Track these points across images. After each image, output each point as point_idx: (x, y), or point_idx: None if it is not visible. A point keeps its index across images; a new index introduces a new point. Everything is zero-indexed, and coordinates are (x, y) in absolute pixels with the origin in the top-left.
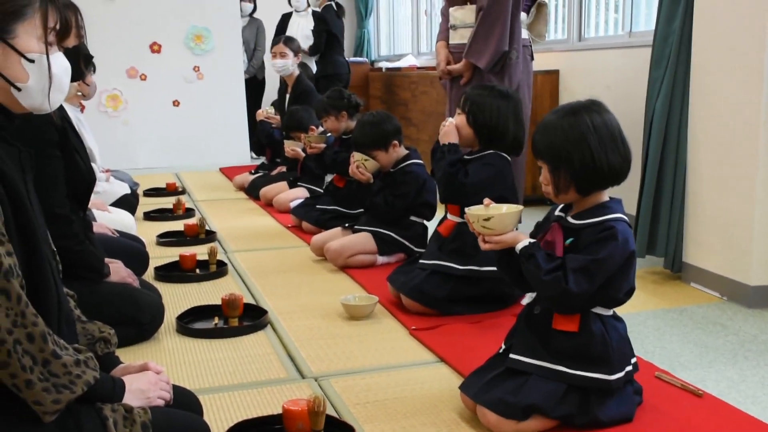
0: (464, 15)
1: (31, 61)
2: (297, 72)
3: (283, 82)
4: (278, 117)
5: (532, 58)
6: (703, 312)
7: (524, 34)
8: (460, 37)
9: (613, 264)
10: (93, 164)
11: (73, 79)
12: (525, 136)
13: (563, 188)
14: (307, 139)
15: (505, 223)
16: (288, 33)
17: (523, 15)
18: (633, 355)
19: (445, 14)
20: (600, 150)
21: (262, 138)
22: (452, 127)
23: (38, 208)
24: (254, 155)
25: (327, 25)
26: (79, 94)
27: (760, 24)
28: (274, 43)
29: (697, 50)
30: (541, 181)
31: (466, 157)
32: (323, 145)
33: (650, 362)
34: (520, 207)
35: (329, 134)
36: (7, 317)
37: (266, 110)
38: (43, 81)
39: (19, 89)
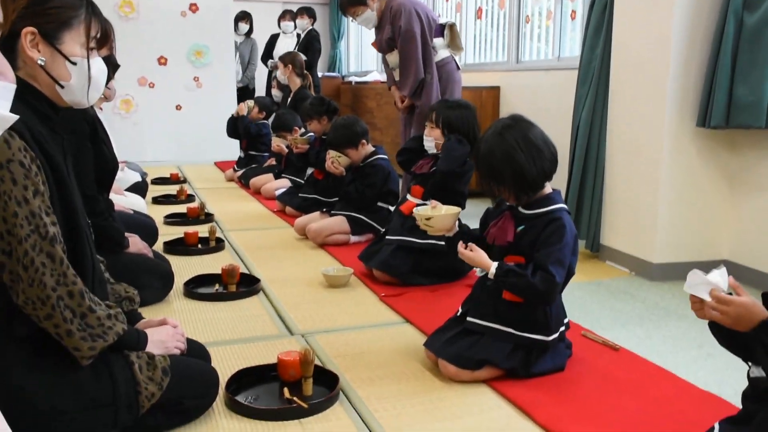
0: (394, 58)
1: (74, 63)
2: (299, 82)
3: (287, 89)
4: (256, 109)
5: (459, 68)
6: (616, 284)
7: (445, 53)
8: (398, 75)
9: (570, 248)
10: None
11: None
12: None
13: (506, 197)
14: (294, 141)
15: (443, 222)
16: (276, 50)
17: (439, 40)
18: (565, 316)
19: (385, 62)
20: (528, 162)
21: (240, 128)
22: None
23: (76, 187)
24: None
25: (319, 44)
26: (102, 96)
27: (664, 53)
28: (264, 63)
29: (614, 72)
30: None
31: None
32: (307, 146)
33: (577, 324)
34: (458, 210)
35: (311, 134)
36: (52, 277)
37: (248, 103)
38: (83, 80)
39: (62, 86)
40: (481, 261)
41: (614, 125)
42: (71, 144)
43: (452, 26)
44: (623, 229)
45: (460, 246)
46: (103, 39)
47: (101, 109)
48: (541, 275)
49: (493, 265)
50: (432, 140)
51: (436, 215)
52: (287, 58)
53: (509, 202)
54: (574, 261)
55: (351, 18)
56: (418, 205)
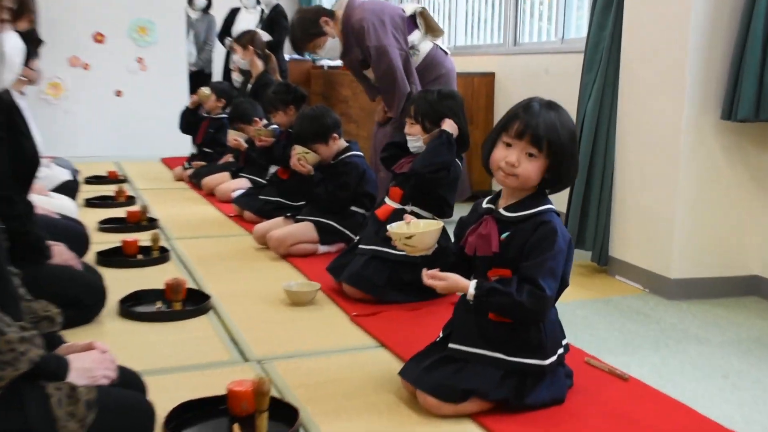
0: (372, 73)
1: None
2: (261, 66)
3: (247, 74)
4: (213, 98)
5: (447, 53)
6: (627, 303)
7: (427, 46)
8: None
9: (563, 256)
10: None
11: None
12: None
13: (535, 179)
14: (257, 133)
15: (425, 240)
16: (235, 27)
17: (415, 34)
18: (564, 337)
19: (360, 76)
20: (578, 148)
21: (191, 125)
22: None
23: None
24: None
25: (287, 22)
26: (24, 78)
27: (683, 34)
28: (221, 42)
29: (625, 57)
30: (511, 161)
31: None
32: (272, 140)
33: (580, 348)
34: (441, 224)
35: (275, 126)
36: None
37: (201, 90)
38: None
39: None
40: (457, 285)
41: (625, 117)
42: None
43: (422, 12)
44: (635, 238)
45: (425, 277)
46: (20, 9)
47: (22, 93)
48: (529, 291)
49: (471, 285)
50: (417, 138)
51: (417, 233)
52: (244, 39)
53: (526, 184)
54: (568, 270)
55: (312, 54)
56: (396, 210)
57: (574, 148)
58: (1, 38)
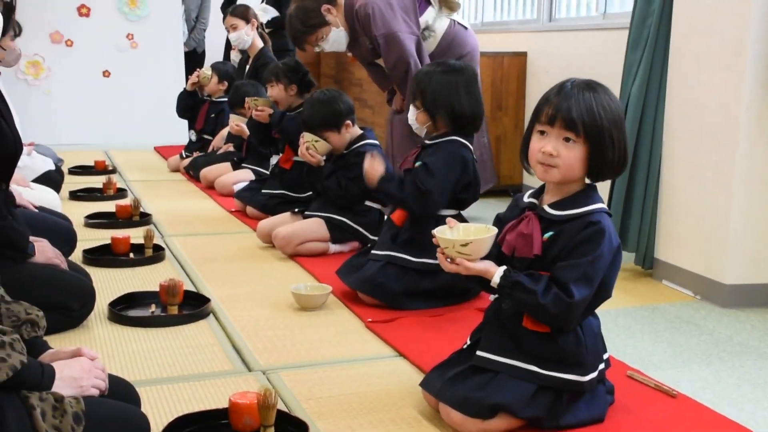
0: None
1: None
2: (260, 43)
3: (245, 54)
4: (215, 79)
5: (467, 28)
6: (675, 311)
7: (443, 24)
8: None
9: (605, 262)
10: None
11: None
12: (483, 110)
13: (578, 168)
14: (253, 102)
15: (483, 247)
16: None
17: (429, 11)
18: (605, 351)
19: (371, 65)
20: (624, 132)
21: (189, 108)
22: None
23: None
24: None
25: None
26: None
27: (744, 6)
28: (224, 15)
29: (676, 33)
30: (548, 150)
31: (426, 141)
32: (270, 110)
33: (622, 361)
34: (495, 229)
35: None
36: None
37: (202, 71)
38: None
39: None
40: (484, 267)
41: (675, 102)
42: None
43: None
44: (685, 239)
45: (442, 258)
46: None
47: None
48: (555, 294)
49: (498, 272)
50: (420, 129)
51: (475, 239)
52: (241, 12)
53: (568, 177)
54: (612, 279)
55: (316, 49)
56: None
57: (619, 132)
58: None
